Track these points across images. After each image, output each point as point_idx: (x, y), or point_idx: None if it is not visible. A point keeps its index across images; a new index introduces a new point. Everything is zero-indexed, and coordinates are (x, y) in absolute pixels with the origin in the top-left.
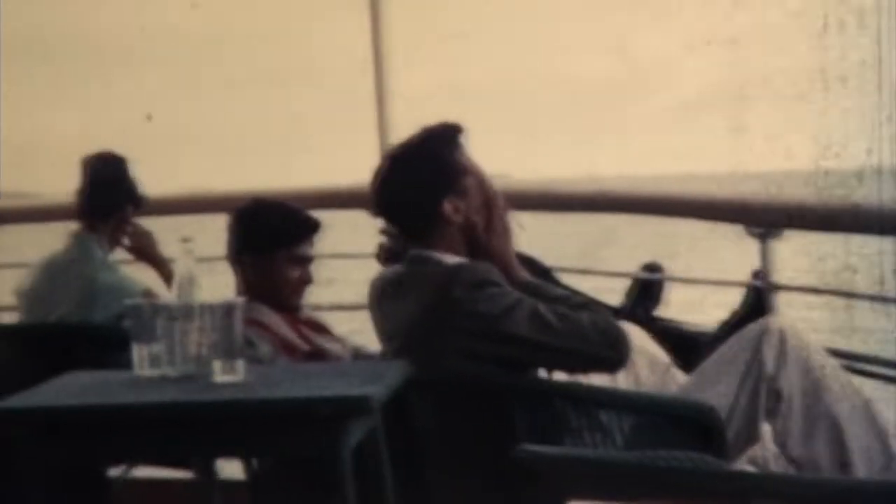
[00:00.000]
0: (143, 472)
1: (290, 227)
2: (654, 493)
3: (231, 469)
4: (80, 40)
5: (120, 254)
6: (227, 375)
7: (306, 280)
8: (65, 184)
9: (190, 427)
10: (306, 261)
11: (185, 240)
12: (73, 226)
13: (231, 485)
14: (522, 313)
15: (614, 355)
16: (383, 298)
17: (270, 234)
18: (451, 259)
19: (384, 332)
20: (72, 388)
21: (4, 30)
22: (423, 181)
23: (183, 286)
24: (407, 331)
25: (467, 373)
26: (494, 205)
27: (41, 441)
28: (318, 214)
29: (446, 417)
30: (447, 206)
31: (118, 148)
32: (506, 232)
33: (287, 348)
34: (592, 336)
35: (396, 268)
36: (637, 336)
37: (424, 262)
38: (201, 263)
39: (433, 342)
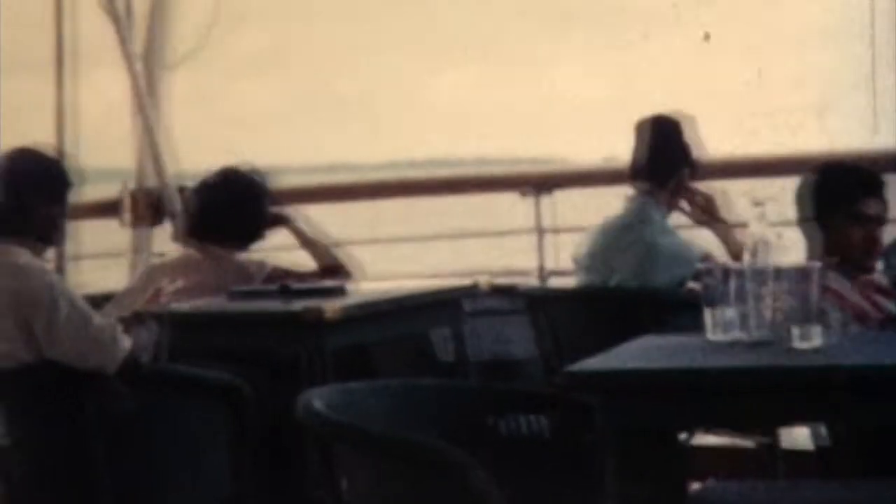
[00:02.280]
0: (702, 438)
1: (848, 188)
2: None
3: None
4: (604, 4)
5: (676, 218)
6: (804, 342)
7: (874, 241)
8: (596, 148)
9: (766, 393)
10: (871, 221)
11: (758, 203)
12: (625, 190)
13: (795, 453)
14: None
15: None
16: None
17: (829, 196)
18: None
19: None
20: (643, 352)
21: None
22: None
23: (757, 250)
24: None
25: None
26: None
27: (615, 404)
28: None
29: None
30: None
31: (651, 111)
32: None
33: (858, 316)
34: None
35: None
36: None
37: None
38: (774, 228)
39: None
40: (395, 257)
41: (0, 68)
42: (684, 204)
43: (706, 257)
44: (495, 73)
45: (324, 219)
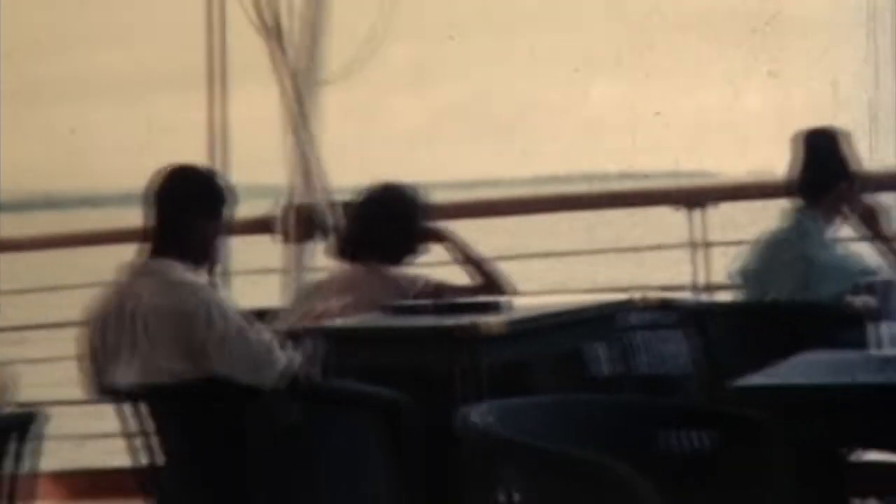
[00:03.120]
0: (866, 454)
1: None
2: None
3: None
4: (757, 17)
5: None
6: None
7: None
8: (745, 162)
9: None
10: None
11: None
12: (781, 204)
13: None
14: None
15: None
16: None
17: None
18: None
19: None
20: (808, 368)
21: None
22: None
23: None
24: None
25: None
26: None
27: (784, 420)
28: None
29: None
30: None
31: (812, 121)
32: None
33: None
34: None
35: None
36: None
37: None
38: None
39: None
40: (549, 272)
41: (151, 86)
42: (847, 216)
43: (868, 271)
44: (644, 87)
45: (475, 234)
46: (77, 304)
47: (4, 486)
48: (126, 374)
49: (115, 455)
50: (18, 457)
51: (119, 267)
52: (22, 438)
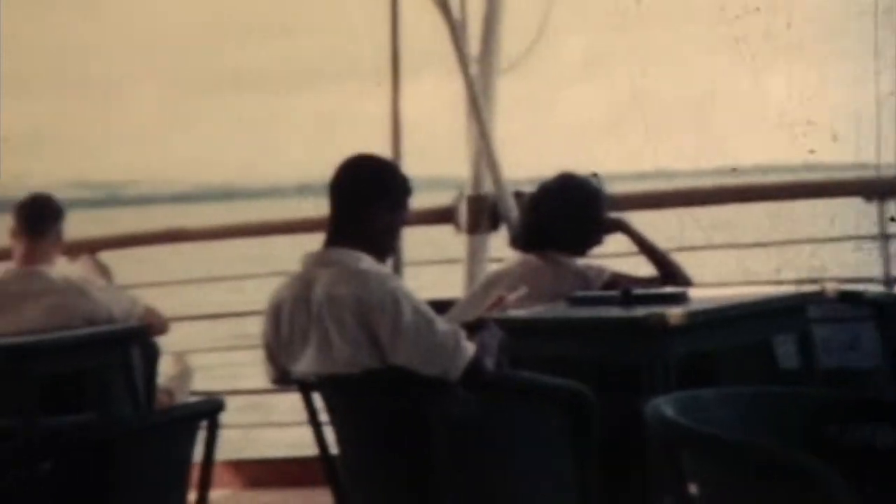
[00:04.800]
0: None
1: None
2: None
3: None
4: None
5: None
6: None
7: None
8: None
9: None
10: None
11: None
12: None
13: None
14: None
15: None
16: None
17: None
18: None
19: None
20: None
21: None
22: None
23: None
24: None
25: None
26: None
27: None
28: None
29: None
30: None
31: None
32: None
33: None
34: None
35: None
36: None
37: None
38: None
39: None
40: (726, 262)
41: (332, 76)
42: None
43: None
44: (824, 76)
45: (655, 225)
46: (259, 294)
47: (195, 473)
48: (306, 364)
49: (293, 445)
50: (210, 445)
51: (301, 257)
52: (212, 426)
